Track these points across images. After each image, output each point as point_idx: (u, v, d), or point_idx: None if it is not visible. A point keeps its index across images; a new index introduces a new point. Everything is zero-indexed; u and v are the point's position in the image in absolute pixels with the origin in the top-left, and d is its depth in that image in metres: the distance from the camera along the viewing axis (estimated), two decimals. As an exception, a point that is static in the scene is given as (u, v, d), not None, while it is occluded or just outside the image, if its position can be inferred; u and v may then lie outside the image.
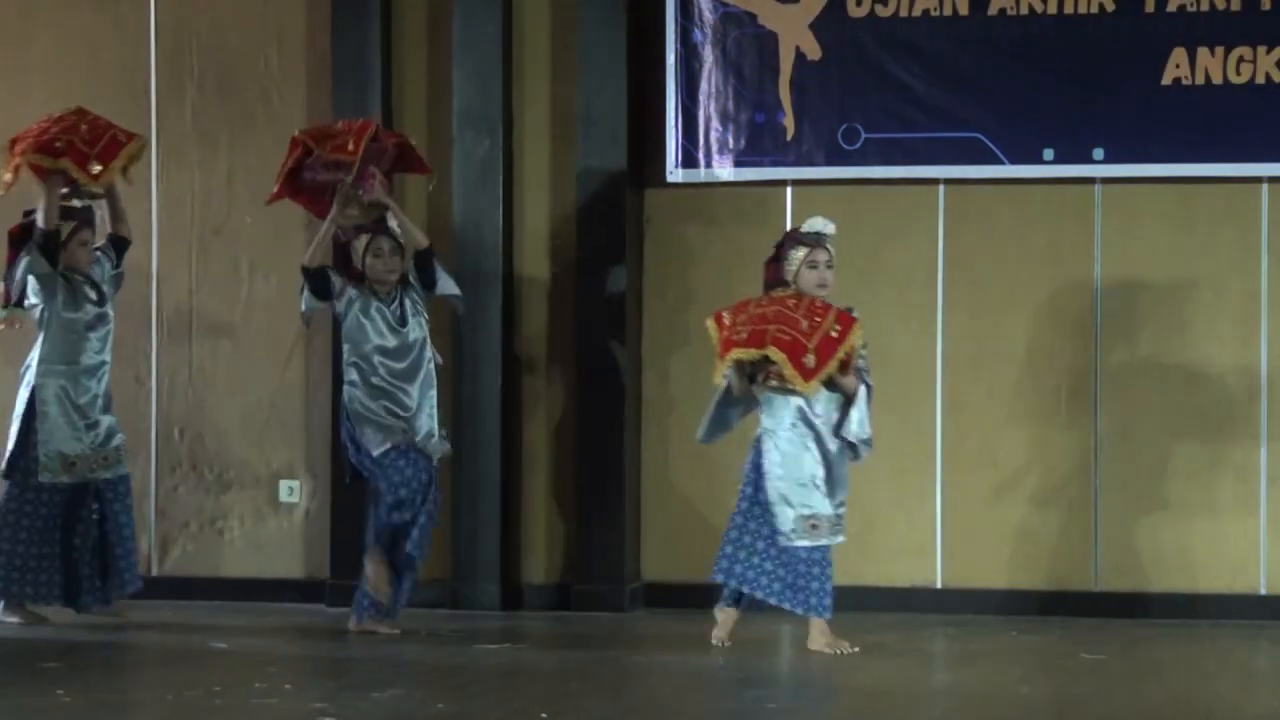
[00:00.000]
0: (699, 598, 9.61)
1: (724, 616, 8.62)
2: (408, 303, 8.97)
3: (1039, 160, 9.54)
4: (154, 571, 10.19)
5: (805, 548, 8.42)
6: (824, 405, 8.48)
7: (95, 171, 9.09)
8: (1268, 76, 9.48)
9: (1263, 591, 9.56)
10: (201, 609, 9.80)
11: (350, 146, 8.82)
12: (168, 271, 10.28)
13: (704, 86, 9.91)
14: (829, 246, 8.59)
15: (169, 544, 10.24)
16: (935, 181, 9.81)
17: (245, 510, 10.20)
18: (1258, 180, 9.53)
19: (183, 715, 7.25)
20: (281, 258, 10.14)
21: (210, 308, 10.26)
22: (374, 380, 8.93)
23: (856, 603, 9.22)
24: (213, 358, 10.25)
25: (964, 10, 9.67)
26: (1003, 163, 9.65)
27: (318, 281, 8.94)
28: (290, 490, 10.18)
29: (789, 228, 9.73)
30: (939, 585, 9.74)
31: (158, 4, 10.28)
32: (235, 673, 8.05)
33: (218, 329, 10.25)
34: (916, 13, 9.72)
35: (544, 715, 7.07)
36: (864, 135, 9.79)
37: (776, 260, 8.71)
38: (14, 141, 9.13)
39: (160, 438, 10.27)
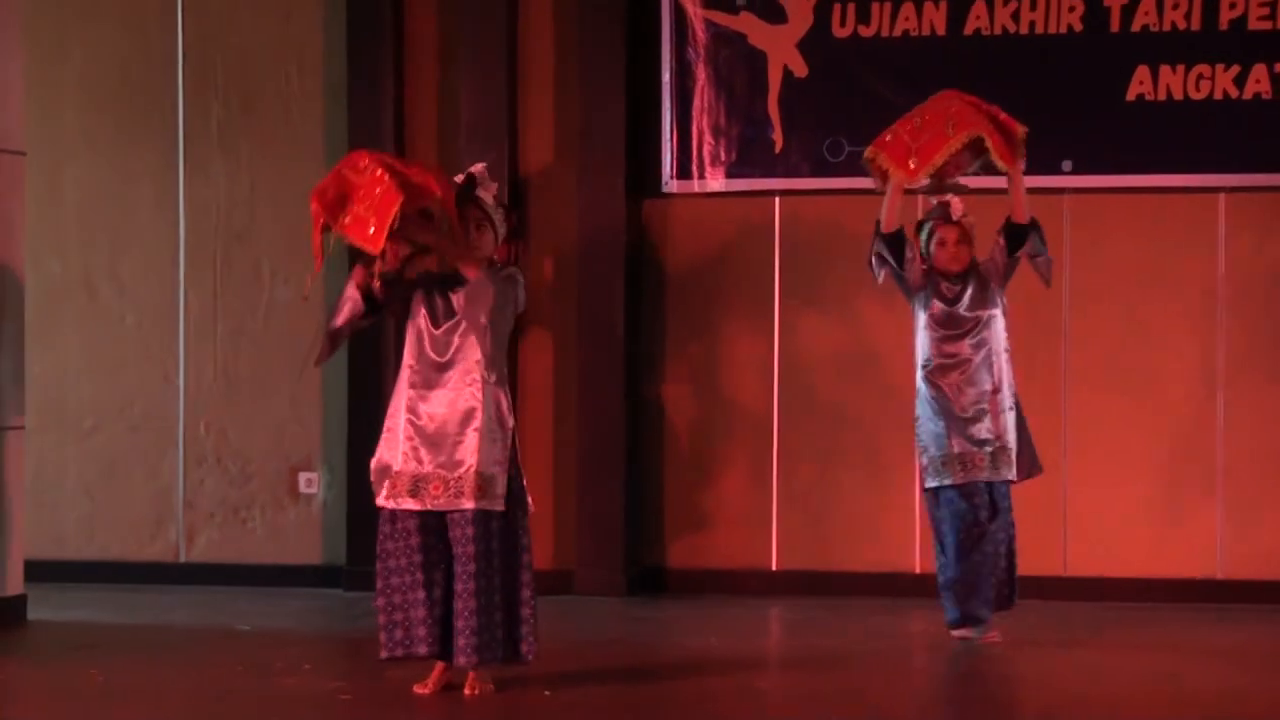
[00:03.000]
0: (698, 584, 9.69)
1: None
2: None
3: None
4: (181, 558, 10.18)
5: None
6: None
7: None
8: (1225, 93, 9.47)
9: (1219, 576, 9.57)
10: (226, 594, 9.77)
11: (373, 229, 7.02)
12: (194, 277, 10.22)
13: (697, 103, 9.87)
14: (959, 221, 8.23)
15: (195, 533, 10.19)
16: (914, 192, 9.81)
17: (266, 501, 10.15)
18: (1216, 191, 9.53)
19: (208, 694, 7.23)
20: (300, 264, 10.12)
21: (233, 310, 10.19)
22: None
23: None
24: (235, 358, 10.19)
25: (941, 30, 9.67)
26: (979, 174, 9.66)
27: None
28: (309, 482, 10.13)
29: (777, 236, 9.79)
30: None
31: (185, 26, 10.24)
32: (257, 654, 8.02)
33: (240, 331, 10.18)
34: (897, 33, 9.71)
35: (547, 693, 7.09)
36: (848, 148, 9.73)
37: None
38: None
39: (187, 433, 10.23)
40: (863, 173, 9.74)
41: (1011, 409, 8.15)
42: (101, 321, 10.28)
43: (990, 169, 8.09)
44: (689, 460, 9.95)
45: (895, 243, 8.17)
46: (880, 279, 8.37)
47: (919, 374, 8.22)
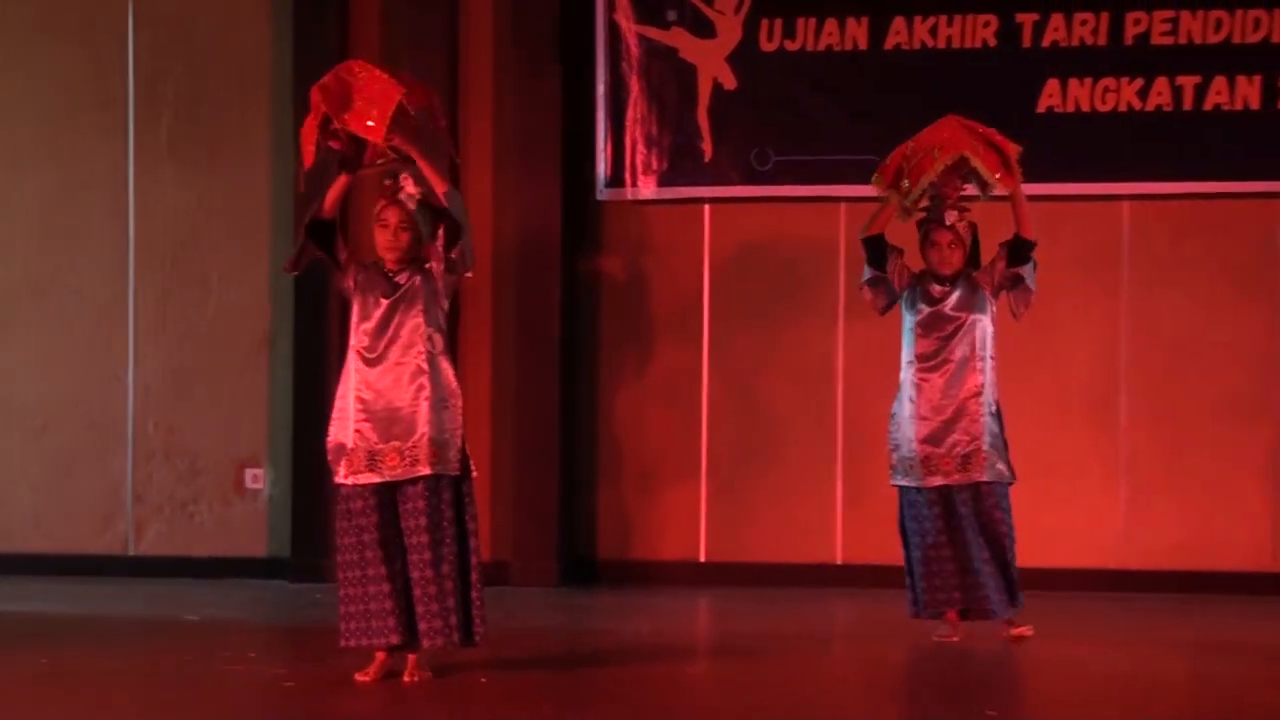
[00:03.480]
0: (629, 574, 9.73)
1: None
2: None
3: (930, 180, 9.61)
4: (130, 551, 10.18)
5: None
6: None
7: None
8: (1129, 105, 9.56)
9: (1123, 566, 9.71)
10: (174, 585, 9.76)
11: (371, 122, 6.91)
12: (143, 280, 10.21)
13: (630, 113, 9.91)
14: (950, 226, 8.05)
15: (144, 527, 10.20)
16: (838, 200, 9.88)
17: (213, 496, 10.16)
18: (1120, 198, 9.62)
19: (155, 681, 7.20)
20: (245, 269, 10.18)
21: (181, 313, 10.20)
22: None
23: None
24: (184, 358, 10.20)
25: (863, 45, 9.73)
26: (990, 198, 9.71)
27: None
28: (255, 477, 10.13)
29: (706, 242, 9.83)
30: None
31: (136, 38, 10.23)
32: (203, 643, 7.99)
33: (188, 332, 10.19)
34: (821, 47, 9.76)
35: (483, 679, 7.10)
36: (774, 158, 9.80)
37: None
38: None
39: (136, 430, 10.23)
40: (790, 180, 9.86)
41: (994, 414, 8.01)
42: (53, 323, 10.28)
43: (986, 188, 8.00)
44: (621, 457, 10.01)
45: (877, 247, 8.08)
46: (876, 299, 8.15)
47: (903, 373, 8.09)
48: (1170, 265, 9.67)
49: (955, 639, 7.93)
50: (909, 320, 8.06)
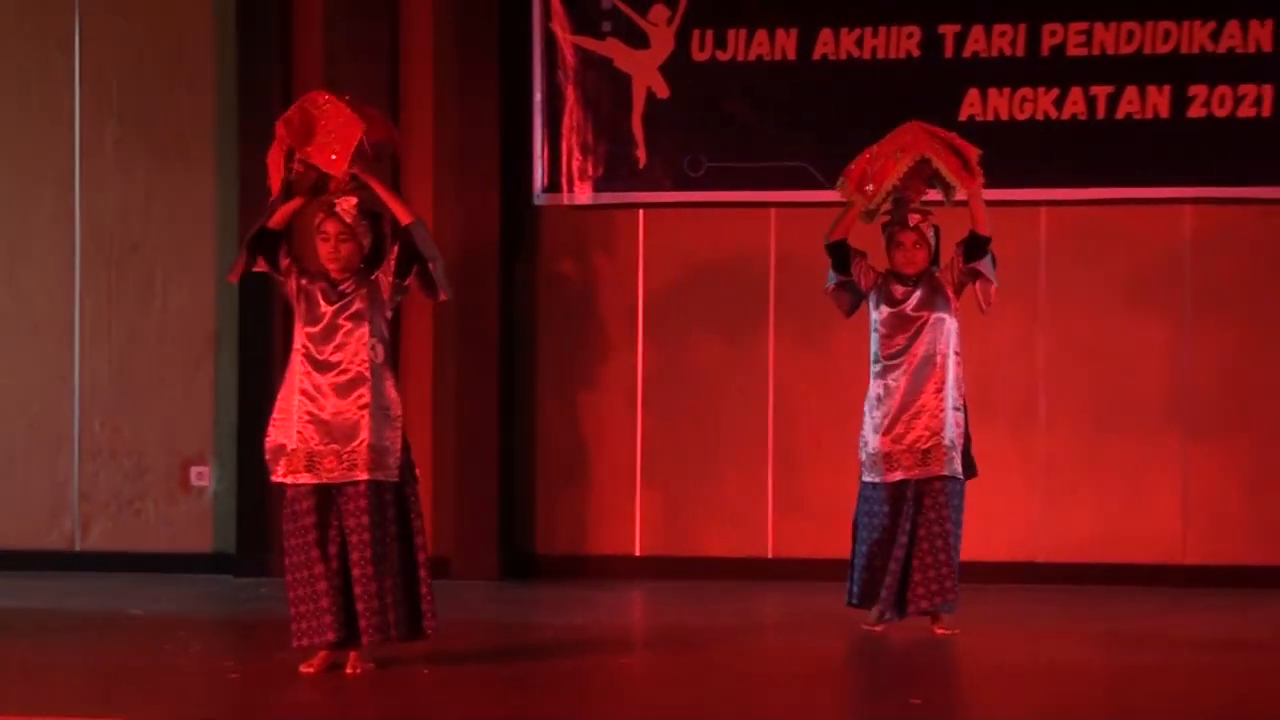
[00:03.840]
0: (567, 569, 9.74)
1: None
2: None
3: (856, 185, 9.61)
4: (77, 547, 10.14)
5: None
6: None
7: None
8: (1045, 114, 9.63)
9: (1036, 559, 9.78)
10: (120, 580, 9.73)
11: (334, 156, 7.03)
12: (89, 284, 10.19)
13: (566, 121, 9.93)
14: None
15: (90, 523, 10.17)
16: (768, 205, 9.92)
17: (159, 493, 10.13)
18: (1037, 204, 9.67)
19: (100, 672, 7.20)
20: (190, 272, 10.16)
21: (127, 315, 10.18)
22: None
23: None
24: (129, 359, 10.17)
25: (792, 55, 9.77)
26: (825, 188, 9.61)
27: None
28: (200, 475, 10.12)
29: (640, 246, 9.85)
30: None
31: (83, 50, 10.20)
32: (149, 636, 7.98)
33: (134, 335, 10.17)
34: (751, 57, 9.80)
35: (425, 671, 7.10)
36: (706, 164, 9.83)
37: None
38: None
39: (83, 430, 10.19)
40: (722, 186, 9.89)
41: (958, 409, 8.04)
42: (0, 325, 10.20)
43: (950, 192, 8.04)
44: (559, 455, 10.03)
45: (840, 251, 8.10)
46: (840, 302, 8.19)
47: (871, 371, 8.10)
48: (1085, 270, 9.74)
49: (879, 629, 7.98)
50: (873, 319, 8.11)
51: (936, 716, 6.50)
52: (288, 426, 7.06)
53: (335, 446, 6.99)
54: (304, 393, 7.04)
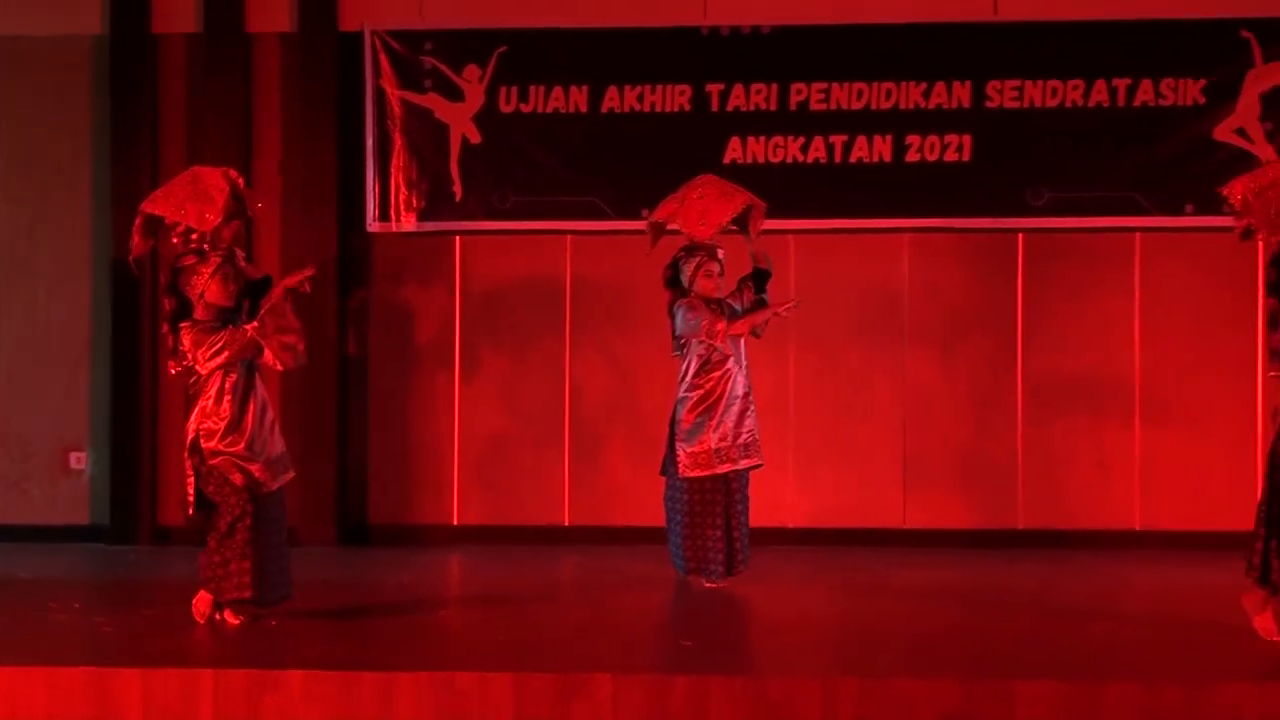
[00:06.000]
0: (396, 536, 9.73)
1: None
2: None
3: (638, 217, 9.46)
4: (-26, 522, 10.05)
5: None
6: None
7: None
8: (794, 158, 9.74)
9: (789, 525, 10.01)
10: (9, 549, 9.56)
11: (207, 216, 7.07)
12: (-22, 297, 10.14)
13: (394, 161, 9.93)
14: (719, 258, 8.22)
15: (-17, 502, 10.12)
16: (564, 233, 10.01)
17: (43, 475, 10.03)
18: (786, 233, 9.67)
19: (-2, 628, 7.17)
20: (70, 289, 10.04)
21: (16, 324, 10.08)
22: None
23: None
24: (18, 362, 10.07)
25: (584, 108, 9.84)
26: (613, 218, 9.79)
27: None
28: (78, 459, 10.04)
29: (457, 267, 9.88)
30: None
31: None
32: (35, 596, 7.92)
33: (22, 341, 10.07)
34: (549, 109, 9.86)
35: (274, 622, 7.13)
36: (513, 198, 9.88)
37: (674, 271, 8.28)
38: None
39: (-25, 423, 10.14)
40: (526, 217, 9.93)
41: (753, 411, 8.20)
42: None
43: (744, 226, 8.24)
44: (390, 441, 10.02)
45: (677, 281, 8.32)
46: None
47: (688, 381, 8.13)
48: (831, 289, 9.83)
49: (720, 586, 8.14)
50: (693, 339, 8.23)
51: (704, 656, 6.60)
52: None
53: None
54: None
